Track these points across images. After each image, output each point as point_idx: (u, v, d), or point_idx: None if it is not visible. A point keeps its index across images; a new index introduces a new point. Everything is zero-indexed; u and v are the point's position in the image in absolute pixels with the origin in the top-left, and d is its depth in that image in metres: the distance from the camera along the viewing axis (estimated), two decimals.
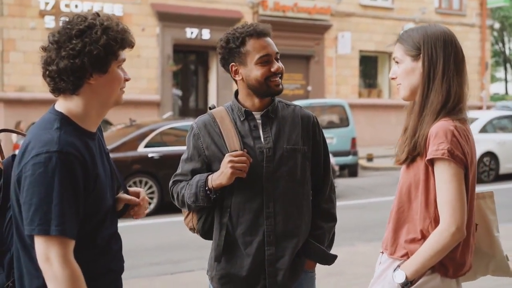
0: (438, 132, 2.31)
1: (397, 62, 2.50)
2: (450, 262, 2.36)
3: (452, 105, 2.37)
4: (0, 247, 2.24)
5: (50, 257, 2.05)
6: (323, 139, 2.97)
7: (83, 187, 2.13)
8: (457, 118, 2.36)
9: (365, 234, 9.02)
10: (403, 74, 2.47)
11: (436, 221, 2.34)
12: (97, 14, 2.23)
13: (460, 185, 2.30)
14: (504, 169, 15.26)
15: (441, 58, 2.40)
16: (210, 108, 2.95)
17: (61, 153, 2.07)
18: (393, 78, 2.53)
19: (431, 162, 2.33)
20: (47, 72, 2.20)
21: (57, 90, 2.21)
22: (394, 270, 2.36)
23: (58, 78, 2.17)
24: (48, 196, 2.05)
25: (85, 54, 2.14)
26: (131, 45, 2.27)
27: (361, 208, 11.35)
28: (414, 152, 2.38)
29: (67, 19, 2.21)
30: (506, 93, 46.99)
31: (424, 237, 2.35)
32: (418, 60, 2.43)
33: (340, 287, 6.16)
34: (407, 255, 2.38)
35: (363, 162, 18.56)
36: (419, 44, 2.43)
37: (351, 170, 16.41)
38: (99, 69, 2.17)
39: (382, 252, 2.52)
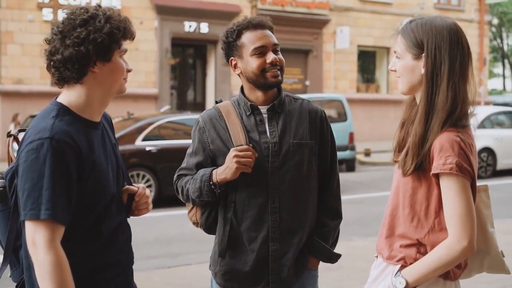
0: (444, 145, 2.21)
1: (397, 57, 2.38)
2: (453, 268, 2.29)
3: (460, 114, 2.26)
4: (17, 242, 2.26)
5: (36, 241, 2.07)
6: (331, 134, 2.92)
7: (76, 174, 2.15)
8: (461, 126, 2.26)
9: (363, 228, 9.04)
10: (402, 70, 2.35)
11: (433, 232, 2.28)
12: (99, 6, 2.28)
13: (469, 198, 2.22)
14: (501, 164, 15.29)
15: (446, 61, 2.25)
16: (217, 102, 2.92)
17: (52, 140, 2.10)
18: (392, 70, 2.42)
19: (437, 175, 2.24)
20: (52, 63, 2.23)
21: (61, 79, 2.24)
22: (395, 276, 2.29)
23: (63, 68, 2.20)
24: (40, 182, 2.08)
25: (89, 42, 2.18)
26: (132, 35, 2.31)
27: (359, 203, 11.38)
28: (421, 166, 2.28)
29: (70, 11, 2.25)
30: (504, 88, 47.04)
31: (421, 245, 2.30)
32: (419, 59, 2.29)
33: (339, 282, 6.17)
34: (403, 259, 2.31)
35: (360, 157, 18.58)
36: (422, 42, 2.28)
37: (348, 165, 16.44)
38: (103, 57, 2.22)
39: (377, 257, 2.46)
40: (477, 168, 2.32)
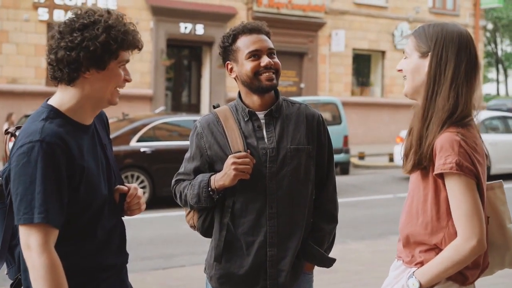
0: (443, 145, 2.21)
1: (405, 57, 2.39)
2: (468, 271, 2.30)
3: (460, 116, 2.26)
4: (12, 241, 2.26)
5: (30, 245, 2.07)
6: (328, 138, 2.92)
7: (66, 176, 2.15)
8: (462, 125, 2.25)
9: (357, 231, 9.04)
10: (408, 70, 2.37)
11: (449, 235, 2.27)
12: (108, 12, 2.25)
13: (474, 196, 2.21)
14: (495, 169, 15.29)
15: (451, 63, 2.27)
16: (214, 107, 2.92)
17: (43, 142, 2.10)
18: (399, 70, 2.43)
19: (441, 175, 2.24)
20: (48, 60, 2.24)
21: (54, 78, 2.25)
22: (409, 277, 2.30)
23: (56, 67, 2.21)
24: (32, 185, 2.08)
25: (81, 49, 2.16)
26: (134, 46, 2.28)
27: (353, 206, 11.38)
28: (420, 165, 2.29)
29: (77, 12, 2.24)
30: (498, 93, 47.20)
31: (440, 249, 2.28)
32: (425, 58, 2.31)
33: (333, 285, 6.16)
34: (421, 263, 2.31)
35: (354, 160, 18.60)
36: (430, 41, 2.30)
37: (343, 168, 16.46)
38: (96, 65, 2.20)
39: (397, 259, 2.45)
40: (485, 165, 2.30)
